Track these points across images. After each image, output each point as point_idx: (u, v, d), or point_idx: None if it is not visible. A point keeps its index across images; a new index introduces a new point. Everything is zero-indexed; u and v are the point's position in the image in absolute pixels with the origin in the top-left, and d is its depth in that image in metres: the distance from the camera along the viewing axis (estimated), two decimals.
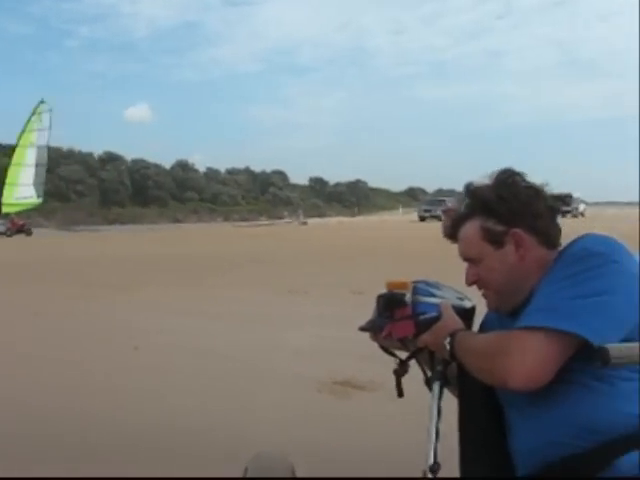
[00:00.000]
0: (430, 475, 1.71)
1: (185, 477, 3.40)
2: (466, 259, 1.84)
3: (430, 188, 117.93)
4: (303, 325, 7.65)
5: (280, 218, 65.62)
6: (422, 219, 51.57)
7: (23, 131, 44.81)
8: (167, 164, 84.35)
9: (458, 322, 1.80)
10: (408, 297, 1.87)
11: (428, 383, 1.89)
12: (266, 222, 59.65)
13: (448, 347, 1.74)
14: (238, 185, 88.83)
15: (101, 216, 62.36)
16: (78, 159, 72.92)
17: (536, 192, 1.79)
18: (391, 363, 1.95)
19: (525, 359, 1.51)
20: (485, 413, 1.82)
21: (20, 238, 35.22)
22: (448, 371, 1.86)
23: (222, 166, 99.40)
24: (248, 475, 1.79)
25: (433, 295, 1.89)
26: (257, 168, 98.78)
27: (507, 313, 1.78)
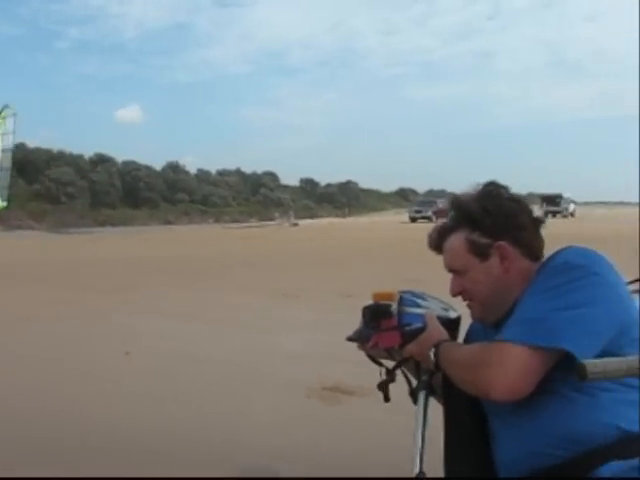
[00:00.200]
0: None
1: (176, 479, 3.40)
2: (451, 270, 1.88)
3: (421, 188, 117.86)
4: (294, 329, 7.63)
5: (271, 219, 65.54)
6: (413, 220, 51.62)
7: None
8: (158, 166, 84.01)
9: (443, 333, 1.83)
10: (394, 308, 1.90)
11: (412, 394, 1.93)
12: (256, 224, 59.53)
13: (433, 358, 1.78)
14: (229, 186, 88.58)
15: (92, 218, 62.01)
16: (68, 161, 72.54)
17: (520, 205, 1.84)
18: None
19: (507, 371, 1.55)
20: (470, 422, 1.85)
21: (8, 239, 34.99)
22: (434, 380, 1.89)
23: (213, 167, 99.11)
24: None
25: (419, 306, 1.92)
26: (248, 169, 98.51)
27: (491, 324, 1.81)
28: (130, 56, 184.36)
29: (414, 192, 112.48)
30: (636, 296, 1.77)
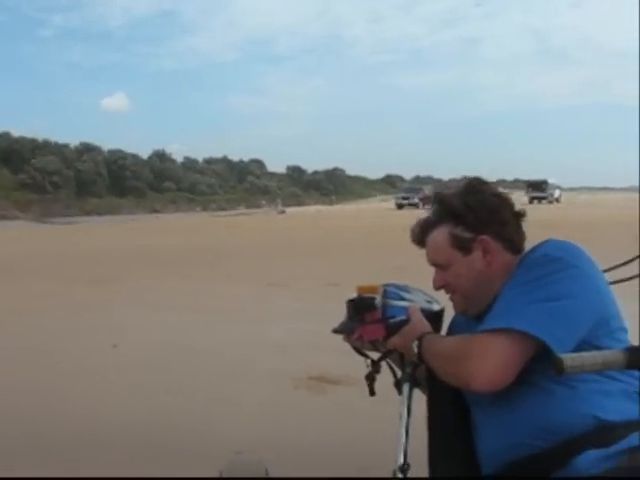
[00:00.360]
0: (400, 475, 1.77)
1: (163, 478, 3.41)
2: (434, 264, 1.91)
3: (408, 175, 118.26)
4: (281, 319, 7.66)
5: (258, 207, 65.51)
6: (399, 207, 51.72)
7: None
8: (144, 154, 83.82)
9: (426, 325, 1.86)
10: (378, 301, 1.93)
11: (397, 385, 1.96)
12: (245, 211, 59.47)
13: (416, 350, 1.81)
14: (216, 174, 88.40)
15: (78, 207, 61.74)
16: (54, 150, 72.11)
17: (502, 200, 1.87)
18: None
19: (487, 362, 1.58)
20: (454, 413, 1.88)
21: None
22: (418, 372, 1.92)
23: (200, 155, 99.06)
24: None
25: (403, 298, 1.95)
26: (235, 157, 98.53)
27: (473, 316, 1.84)
28: (116, 44, 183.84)
29: (401, 179, 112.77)
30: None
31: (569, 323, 1.59)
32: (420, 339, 1.80)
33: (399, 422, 1.85)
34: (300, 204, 74.64)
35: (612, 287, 1.79)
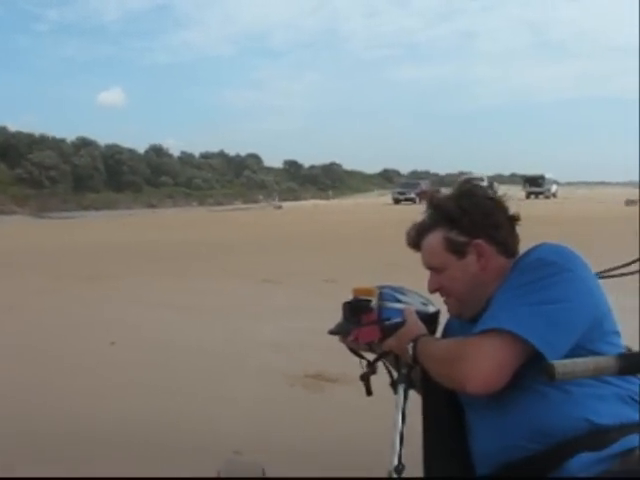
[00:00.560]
0: (395, 475, 1.79)
1: (161, 477, 3.40)
2: (429, 268, 1.93)
3: (405, 169, 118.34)
4: (277, 316, 7.65)
5: (255, 202, 65.46)
6: (396, 202, 51.69)
7: None
8: (141, 149, 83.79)
9: (421, 328, 1.88)
10: (374, 303, 1.94)
11: (393, 385, 1.98)
12: (241, 206, 59.44)
13: (411, 352, 1.83)
14: (212, 169, 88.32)
15: (75, 202, 61.71)
16: (51, 145, 72.03)
17: (495, 203, 1.89)
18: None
19: (481, 365, 1.60)
20: (448, 414, 1.90)
21: None
22: (413, 374, 1.94)
23: (196, 150, 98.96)
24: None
25: (398, 300, 1.96)
26: (231, 151, 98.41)
27: (468, 319, 1.86)
28: (111, 38, 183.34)
29: (398, 173, 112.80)
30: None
31: (563, 327, 1.61)
32: (415, 341, 1.82)
33: (394, 423, 1.87)
34: (297, 199, 74.60)
35: (612, 281, 1.80)
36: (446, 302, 1.93)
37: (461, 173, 78.95)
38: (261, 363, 5.64)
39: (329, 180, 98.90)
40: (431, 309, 1.98)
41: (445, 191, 2.03)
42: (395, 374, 1.99)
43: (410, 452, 1.85)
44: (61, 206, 56.82)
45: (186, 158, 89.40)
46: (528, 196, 55.39)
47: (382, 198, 63.45)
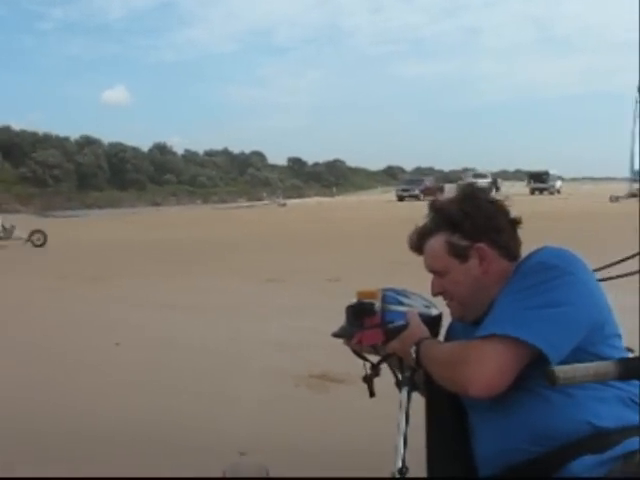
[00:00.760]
0: (398, 476, 1.81)
1: (164, 477, 3.41)
2: (432, 271, 1.93)
3: (409, 166, 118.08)
4: (282, 316, 7.64)
5: (259, 199, 65.43)
6: (400, 199, 51.60)
7: None
8: (145, 147, 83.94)
9: (424, 330, 1.89)
10: (377, 305, 1.95)
11: (398, 385, 1.99)
12: (245, 204, 59.46)
13: (414, 355, 1.84)
14: (216, 167, 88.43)
15: (79, 201, 61.88)
16: (55, 143, 72.23)
17: (497, 206, 1.89)
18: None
19: (483, 368, 1.61)
20: (452, 416, 1.91)
21: None
22: (416, 376, 1.95)
23: (200, 148, 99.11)
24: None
25: (401, 303, 1.97)
26: (235, 149, 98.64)
27: (470, 322, 1.87)
28: (116, 36, 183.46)
29: (402, 170, 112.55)
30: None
31: (565, 330, 1.62)
32: (418, 344, 1.83)
33: (397, 426, 1.88)
34: (301, 196, 74.61)
35: (610, 282, 1.80)
36: (449, 305, 1.94)
37: (465, 169, 78.71)
38: (265, 363, 5.63)
39: (333, 177, 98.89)
40: (434, 312, 1.99)
41: (449, 187, 2.05)
42: (400, 376, 2.00)
43: (413, 454, 1.86)
44: (65, 204, 56.95)
45: (190, 156, 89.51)
46: (532, 192, 55.23)
47: (386, 195, 63.30)
